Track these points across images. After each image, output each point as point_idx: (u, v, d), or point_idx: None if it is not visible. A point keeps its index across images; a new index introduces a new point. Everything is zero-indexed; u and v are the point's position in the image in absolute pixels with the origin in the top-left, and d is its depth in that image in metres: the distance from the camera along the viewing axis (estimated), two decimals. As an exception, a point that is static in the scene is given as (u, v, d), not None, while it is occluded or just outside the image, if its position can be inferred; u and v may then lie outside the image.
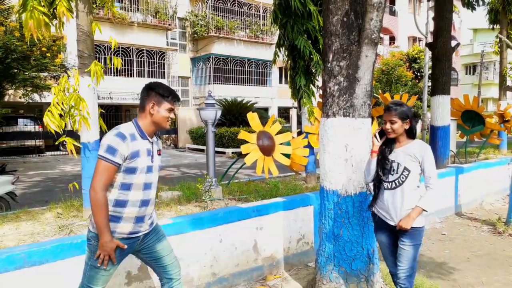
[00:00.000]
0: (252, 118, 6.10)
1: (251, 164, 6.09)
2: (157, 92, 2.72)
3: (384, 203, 3.29)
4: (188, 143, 21.65)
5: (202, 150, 19.44)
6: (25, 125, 19.14)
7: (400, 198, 3.21)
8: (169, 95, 2.73)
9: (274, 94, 28.12)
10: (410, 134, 3.25)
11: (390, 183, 3.25)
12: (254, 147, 5.98)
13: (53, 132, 4.39)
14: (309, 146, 7.14)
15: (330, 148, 3.76)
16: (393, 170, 3.24)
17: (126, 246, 2.70)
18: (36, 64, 14.74)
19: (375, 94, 22.33)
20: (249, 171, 12.24)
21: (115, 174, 2.63)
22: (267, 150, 6.12)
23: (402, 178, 3.19)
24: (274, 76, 28.35)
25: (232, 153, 18.09)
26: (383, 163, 3.28)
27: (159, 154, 2.86)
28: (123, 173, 2.65)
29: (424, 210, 3.16)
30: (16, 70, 14.72)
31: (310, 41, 7.36)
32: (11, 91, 17.03)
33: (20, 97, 16.92)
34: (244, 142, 6.04)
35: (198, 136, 20.66)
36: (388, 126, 3.20)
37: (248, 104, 20.95)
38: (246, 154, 5.92)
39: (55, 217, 4.87)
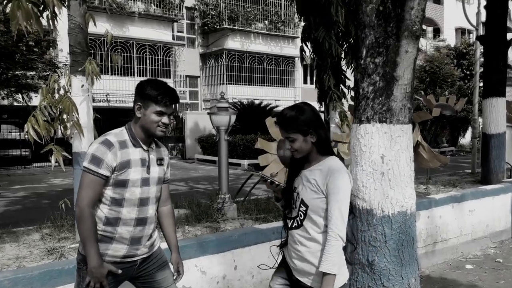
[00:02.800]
0: (272, 124, 6.10)
1: (270, 178, 6.09)
2: (144, 91, 2.65)
3: (288, 246, 2.86)
4: (197, 153, 21.75)
5: (213, 162, 19.50)
6: (9, 132, 19.33)
7: (301, 245, 2.73)
8: (157, 95, 2.63)
9: (298, 95, 28.13)
10: (321, 149, 2.75)
11: (292, 221, 2.80)
12: (274, 158, 5.98)
13: (33, 141, 4.41)
14: (338, 157, 7.09)
15: (364, 160, 3.73)
16: (293, 202, 2.77)
17: (120, 271, 2.68)
18: (22, 61, 14.95)
19: (416, 96, 22.14)
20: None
21: (104, 188, 2.63)
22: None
23: (300, 216, 2.71)
24: (298, 75, 28.40)
25: (249, 165, 18.11)
26: (286, 192, 2.83)
27: (160, 164, 2.83)
28: (113, 186, 2.64)
29: (331, 275, 2.57)
30: None
31: (339, 34, 7.36)
32: None
33: (2, 98, 17.16)
34: (263, 152, 6.05)
35: (208, 145, 20.75)
36: (287, 145, 2.75)
37: (268, 108, 20.99)
38: (265, 166, 5.92)
39: (43, 239, 4.93)
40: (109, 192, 2.65)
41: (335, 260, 2.58)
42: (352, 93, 4.01)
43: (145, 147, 2.73)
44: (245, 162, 18.26)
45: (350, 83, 7.38)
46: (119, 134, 2.70)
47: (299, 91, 28.24)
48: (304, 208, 2.68)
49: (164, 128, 2.69)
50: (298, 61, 26.92)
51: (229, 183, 6.90)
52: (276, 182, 2.78)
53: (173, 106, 2.73)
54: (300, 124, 2.66)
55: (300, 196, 2.72)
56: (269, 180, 2.79)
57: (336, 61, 7.38)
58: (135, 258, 2.77)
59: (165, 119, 2.66)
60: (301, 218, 2.71)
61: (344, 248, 2.79)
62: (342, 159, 7.48)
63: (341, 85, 7.56)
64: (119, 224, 2.68)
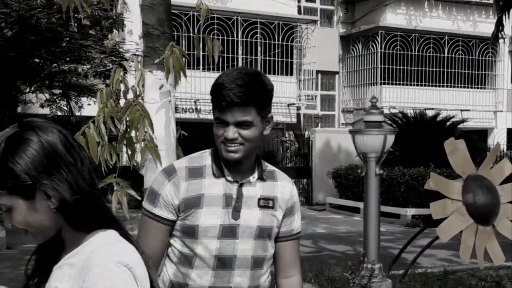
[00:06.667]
0: (455, 149, 6.00)
1: (450, 240, 5.98)
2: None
3: None
4: (331, 196, 21.72)
5: (355, 210, 19.37)
6: None
7: None
8: (212, 92, 2.69)
9: (502, 102, 27.24)
10: (76, 220, 2.01)
11: None
12: (457, 206, 5.86)
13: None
14: None
15: None
16: None
17: None
18: (71, 49, 15.64)
19: None
20: (445, 252, 11.95)
21: (171, 238, 2.74)
22: (483, 215, 5.96)
23: None
24: (502, 68, 27.56)
25: (414, 216, 17.79)
26: None
27: (266, 207, 2.79)
28: (181, 235, 2.72)
29: None
30: (38, 60, 15.81)
31: None
32: (30, 96, 18.28)
33: (42, 105, 18.08)
34: (438, 196, 5.96)
35: (348, 183, 20.64)
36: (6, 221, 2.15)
37: (448, 123, 20.56)
38: (441, 220, 5.82)
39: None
40: (177, 244, 2.74)
41: None
42: None
43: (230, 178, 2.74)
44: (407, 212, 17.96)
45: None
46: (196, 157, 2.79)
47: (503, 94, 27.33)
48: None
49: (231, 147, 2.63)
50: (504, 45, 26.15)
51: (381, 244, 6.85)
52: None
53: (244, 109, 2.61)
54: (10, 174, 1.94)
55: None
56: None
57: None
58: None
59: (228, 132, 2.61)
60: None
61: None
62: None
63: None
64: None
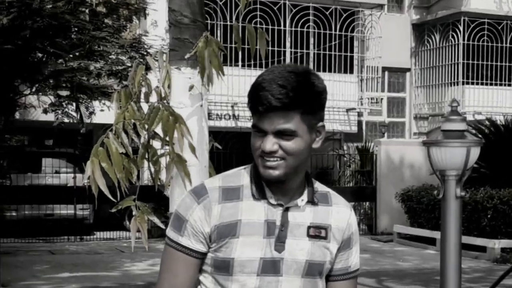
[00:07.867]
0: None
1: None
2: None
3: None
4: (399, 223, 21.58)
5: (430, 241, 19.25)
6: (55, 172, 20.44)
7: None
8: (250, 95, 2.61)
9: None
10: None
11: None
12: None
13: (96, 194, 4.45)
14: None
15: None
16: None
17: None
18: (81, 42, 15.60)
19: None
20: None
21: (200, 273, 2.73)
22: None
23: None
24: None
25: (504, 250, 17.62)
26: None
27: (317, 237, 2.75)
28: (212, 271, 2.71)
29: None
30: (40, 55, 15.86)
31: None
32: (32, 99, 18.47)
33: (45, 111, 18.14)
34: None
35: (421, 208, 20.47)
36: None
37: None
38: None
39: None
40: (208, 282, 2.73)
41: None
42: None
43: (273, 200, 2.70)
44: (496, 244, 17.77)
45: None
46: (232, 175, 2.77)
47: None
48: None
49: (270, 162, 2.58)
50: None
51: (462, 284, 6.80)
52: None
53: (286, 115, 2.54)
54: None
55: None
56: None
57: None
58: None
59: (266, 143, 2.56)
60: None
61: None
62: None
63: None
64: None
